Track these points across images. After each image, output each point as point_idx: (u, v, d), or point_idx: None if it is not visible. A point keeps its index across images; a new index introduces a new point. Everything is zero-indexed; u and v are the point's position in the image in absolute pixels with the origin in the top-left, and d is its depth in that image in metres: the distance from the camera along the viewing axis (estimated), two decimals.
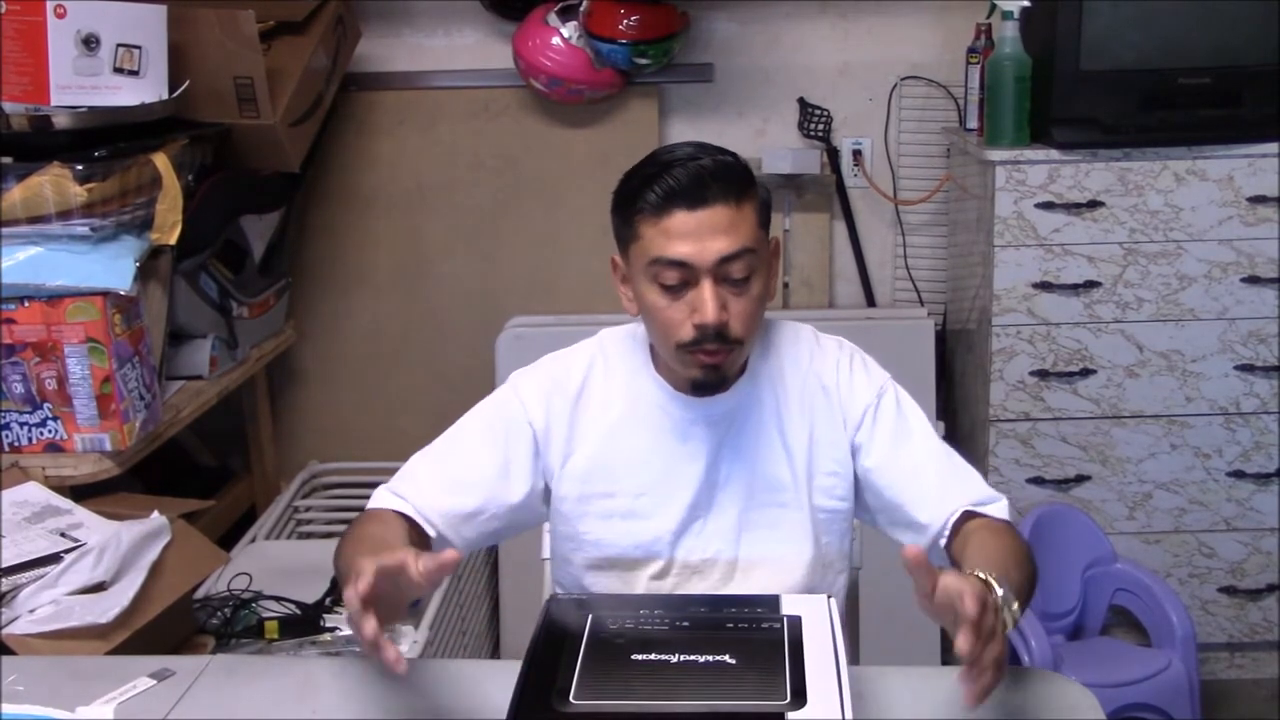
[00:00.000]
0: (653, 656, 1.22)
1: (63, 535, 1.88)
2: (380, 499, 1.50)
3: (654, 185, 1.39)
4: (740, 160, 1.44)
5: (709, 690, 1.16)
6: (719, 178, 1.39)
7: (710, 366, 1.43)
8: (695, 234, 1.38)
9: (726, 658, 1.21)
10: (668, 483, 1.51)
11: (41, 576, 1.78)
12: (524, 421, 1.52)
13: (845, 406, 1.53)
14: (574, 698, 1.15)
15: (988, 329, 2.66)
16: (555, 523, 1.58)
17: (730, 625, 1.28)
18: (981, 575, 1.20)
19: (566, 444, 1.53)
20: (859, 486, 1.55)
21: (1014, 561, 1.34)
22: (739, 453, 1.52)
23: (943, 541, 1.46)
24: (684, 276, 1.40)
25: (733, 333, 1.41)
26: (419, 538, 1.46)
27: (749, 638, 1.25)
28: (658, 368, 1.53)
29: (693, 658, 1.21)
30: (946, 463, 1.52)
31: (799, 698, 1.14)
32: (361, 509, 1.48)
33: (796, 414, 1.52)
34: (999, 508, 1.47)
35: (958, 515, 1.45)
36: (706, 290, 1.39)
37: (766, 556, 1.52)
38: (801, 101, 3.03)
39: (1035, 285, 2.62)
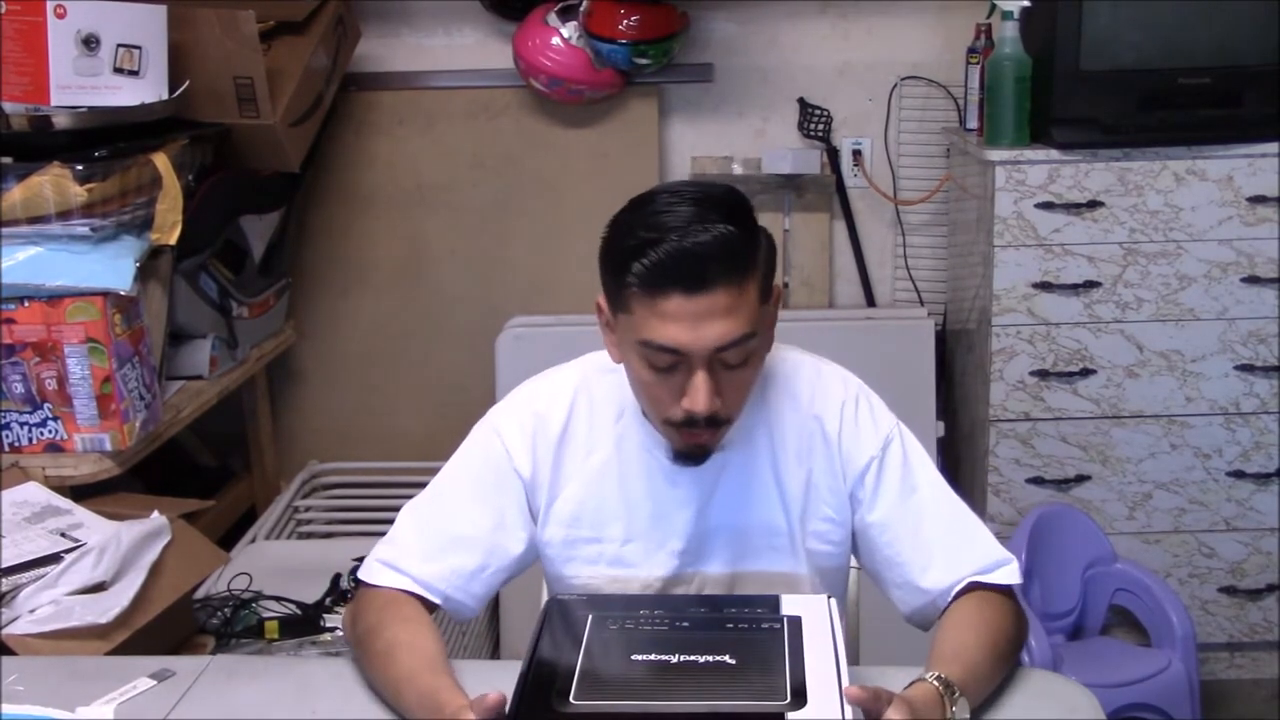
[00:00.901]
0: (653, 656, 1.21)
1: (63, 535, 1.88)
2: (375, 574, 1.43)
3: (648, 254, 1.26)
4: (743, 215, 1.31)
5: (709, 690, 1.16)
6: (721, 257, 1.26)
7: (696, 444, 1.37)
8: (691, 320, 1.27)
9: (726, 658, 1.21)
10: (657, 530, 1.45)
11: (41, 576, 1.78)
12: (510, 470, 1.46)
13: (847, 457, 1.45)
14: (574, 698, 1.15)
15: (987, 329, 2.66)
16: (542, 564, 1.52)
17: (730, 625, 1.28)
18: (938, 683, 1.21)
19: (551, 487, 1.46)
20: (855, 538, 1.48)
21: (988, 646, 1.31)
22: (731, 498, 1.45)
23: (942, 604, 1.41)
24: (676, 361, 1.30)
25: (723, 415, 1.34)
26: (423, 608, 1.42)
27: (749, 638, 1.25)
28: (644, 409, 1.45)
29: (693, 658, 1.21)
30: (953, 522, 1.45)
31: (799, 698, 1.13)
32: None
33: (793, 457, 1.45)
34: (1005, 573, 1.41)
35: (962, 586, 1.40)
36: (699, 379, 1.29)
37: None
38: (801, 101, 3.03)
39: (1035, 285, 2.62)
